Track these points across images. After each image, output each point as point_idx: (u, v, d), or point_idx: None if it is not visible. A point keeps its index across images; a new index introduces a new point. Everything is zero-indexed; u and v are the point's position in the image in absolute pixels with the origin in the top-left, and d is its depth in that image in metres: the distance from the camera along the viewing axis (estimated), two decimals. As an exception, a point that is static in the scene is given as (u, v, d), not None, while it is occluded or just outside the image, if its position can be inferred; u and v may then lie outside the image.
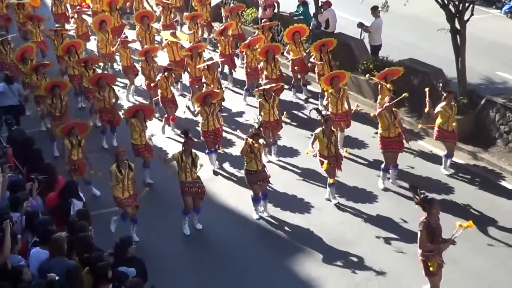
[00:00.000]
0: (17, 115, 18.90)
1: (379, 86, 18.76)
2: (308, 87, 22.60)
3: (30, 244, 11.62)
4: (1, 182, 11.82)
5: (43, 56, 24.46)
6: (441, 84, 18.02)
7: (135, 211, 15.19)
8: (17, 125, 17.82)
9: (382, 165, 16.99)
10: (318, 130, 16.08)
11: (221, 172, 18.08)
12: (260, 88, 18.56)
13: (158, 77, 19.82)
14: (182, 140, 15.70)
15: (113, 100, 19.19)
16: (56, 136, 18.50)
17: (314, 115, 16.91)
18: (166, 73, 19.71)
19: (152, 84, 20.44)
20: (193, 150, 15.46)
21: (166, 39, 22.95)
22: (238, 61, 24.45)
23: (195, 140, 16.18)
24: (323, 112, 16.60)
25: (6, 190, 12.79)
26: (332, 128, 16.14)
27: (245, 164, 15.74)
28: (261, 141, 15.56)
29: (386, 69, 19.19)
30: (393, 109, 16.68)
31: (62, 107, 18.51)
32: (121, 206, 15.17)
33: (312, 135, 16.40)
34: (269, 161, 18.19)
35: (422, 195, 12.08)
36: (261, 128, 16.12)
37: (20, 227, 11.75)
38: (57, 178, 14.27)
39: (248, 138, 15.50)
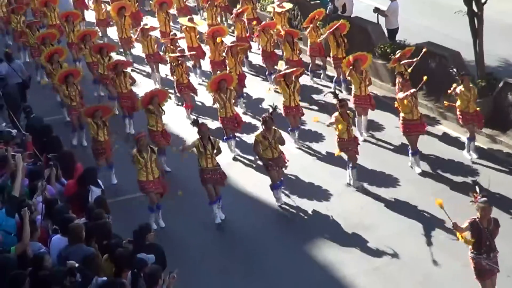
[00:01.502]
0: (22, 91, 19.00)
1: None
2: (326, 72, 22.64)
3: (51, 231, 11.67)
4: (21, 169, 11.86)
5: (58, 42, 24.55)
6: (455, 70, 17.87)
7: (159, 197, 15.19)
8: (23, 101, 17.94)
9: (410, 150, 16.88)
10: (337, 113, 16.01)
11: (239, 158, 18.08)
12: (281, 73, 18.37)
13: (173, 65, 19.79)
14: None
15: (130, 81, 19.23)
16: (76, 126, 18.60)
17: (330, 98, 16.82)
18: (179, 60, 19.65)
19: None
20: (211, 136, 15.42)
21: (183, 25, 22.96)
22: (255, 46, 24.52)
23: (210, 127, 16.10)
24: (339, 96, 16.50)
25: (26, 178, 12.83)
26: (348, 112, 16.09)
27: (262, 152, 15.69)
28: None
29: (398, 51, 19.09)
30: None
31: (77, 95, 18.52)
32: (145, 191, 15.12)
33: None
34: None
35: (480, 196, 11.69)
36: (277, 110, 16.00)
37: (40, 210, 11.76)
38: (75, 165, 14.31)
39: (256, 137, 15.52)
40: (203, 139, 15.18)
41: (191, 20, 22.82)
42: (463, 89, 16.86)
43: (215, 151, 15.19)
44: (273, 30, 21.94)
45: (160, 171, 15.40)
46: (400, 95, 16.68)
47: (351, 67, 18.06)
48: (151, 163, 14.97)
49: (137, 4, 26.96)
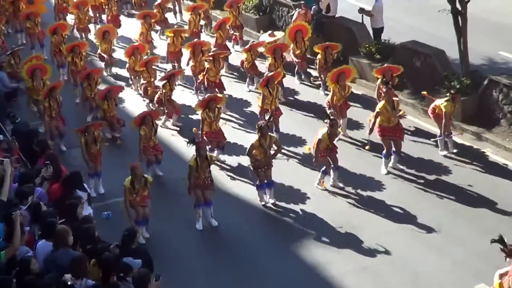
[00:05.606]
0: (7, 100, 19.03)
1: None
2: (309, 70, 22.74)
3: (37, 237, 11.62)
4: (9, 174, 11.81)
5: (41, 46, 24.51)
6: (450, 91, 17.87)
7: (147, 212, 14.96)
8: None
9: (384, 151, 16.93)
10: (323, 133, 15.99)
11: (224, 160, 18.04)
12: (264, 79, 18.66)
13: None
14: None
15: (115, 108, 19.32)
16: (54, 134, 18.51)
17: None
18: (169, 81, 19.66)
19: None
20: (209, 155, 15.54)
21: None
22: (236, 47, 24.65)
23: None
24: (331, 117, 16.58)
25: (16, 182, 12.76)
26: (335, 132, 16.20)
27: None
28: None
29: (385, 65, 19.11)
30: (394, 99, 16.78)
31: (57, 107, 18.54)
32: (131, 205, 14.84)
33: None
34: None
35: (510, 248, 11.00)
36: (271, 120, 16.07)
37: (27, 220, 11.72)
38: (61, 169, 14.23)
39: (254, 143, 15.57)
40: (199, 157, 15.08)
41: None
42: (450, 103, 17.00)
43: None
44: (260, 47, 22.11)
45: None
46: (380, 107, 16.65)
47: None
48: (142, 192, 14.77)
49: (115, 8, 27.05)
